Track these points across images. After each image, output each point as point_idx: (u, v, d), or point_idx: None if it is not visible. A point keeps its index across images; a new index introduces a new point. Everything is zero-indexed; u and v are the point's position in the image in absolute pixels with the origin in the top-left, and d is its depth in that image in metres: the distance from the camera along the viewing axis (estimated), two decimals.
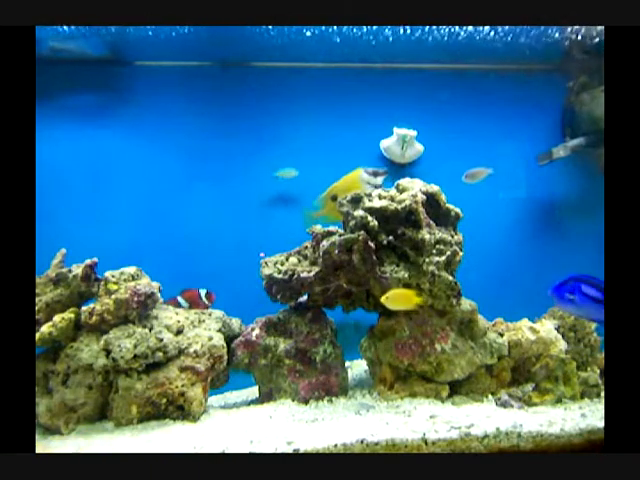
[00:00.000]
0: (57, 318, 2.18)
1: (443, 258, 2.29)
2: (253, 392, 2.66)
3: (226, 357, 2.34)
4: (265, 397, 2.43)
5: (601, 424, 1.87)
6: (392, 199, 2.39)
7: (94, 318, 2.19)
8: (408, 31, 2.89)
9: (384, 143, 3.26)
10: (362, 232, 2.27)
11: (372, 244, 2.27)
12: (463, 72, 3.39)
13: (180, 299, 2.56)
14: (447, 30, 2.88)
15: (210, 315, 2.49)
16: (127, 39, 2.92)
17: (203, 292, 2.60)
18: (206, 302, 2.59)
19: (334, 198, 2.65)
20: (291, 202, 3.20)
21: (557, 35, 2.98)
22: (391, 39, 2.96)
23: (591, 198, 3.22)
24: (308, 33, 2.88)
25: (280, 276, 2.41)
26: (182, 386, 2.15)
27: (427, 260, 2.28)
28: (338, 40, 2.95)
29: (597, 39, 2.99)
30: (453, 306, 2.32)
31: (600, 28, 2.85)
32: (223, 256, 3.07)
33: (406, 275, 2.27)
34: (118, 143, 3.15)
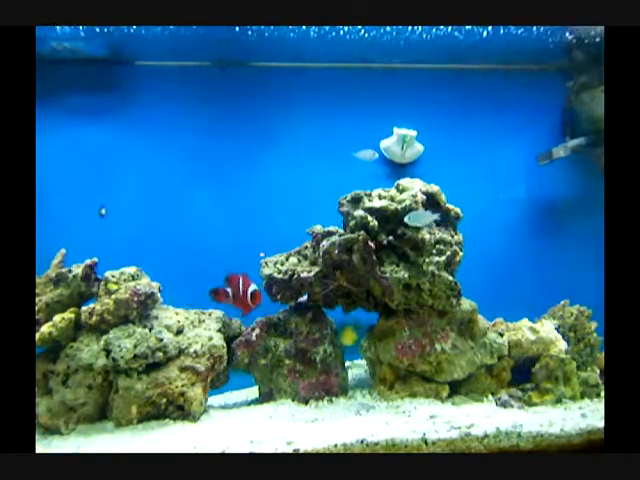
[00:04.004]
0: (57, 318, 2.18)
1: (443, 258, 2.29)
2: (253, 392, 2.66)
3: (226, 357, 2.34)
4: (265, 397, 2.43)
5: (601, 424, 1.87)
6: (392, 199, 2.39)
7: (94, 318, 2.19)
8: (407, 30, 2.89)
9: (384, 143, 3.26)
10: (362, 232, 2.27)
11: (372, 244, 2.27)
12: (463, 72, 3.39)
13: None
14: (447, 30, 2.88)
15: (210, 315, 2.49)
16: (127, 39, 2.92)
17: (252, 287, 2.28)
18: (248, 300, 2.27)
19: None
20: (291, 202, 3.20)
21: (557, 35, 2.98)
22: (391, 38, 2.96)
23: (591, 198, 3.21)
24: (312, 32, 2.88)
25: (280, 276, 2.41)
26: (182, 386, 2.15)
27: (427, 260, 2.28)
28: (337, 36, 2.95)
29: (597, 39, 2.99)
30: (453, 306, 2.32)
31: (600, 28, 2.85)
32: (223, 256, 3.06)
33: (406, 275, 2.26)
34: (118, 143, 3.15)
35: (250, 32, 2.83)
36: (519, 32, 2.92)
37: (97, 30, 2.79)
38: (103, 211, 2.50)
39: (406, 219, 2.26)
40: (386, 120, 3.23)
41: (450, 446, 1.78)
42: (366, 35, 2.91)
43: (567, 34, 2.97)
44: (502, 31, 2.90)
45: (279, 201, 3.20)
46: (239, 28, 2.80)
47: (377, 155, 2.99)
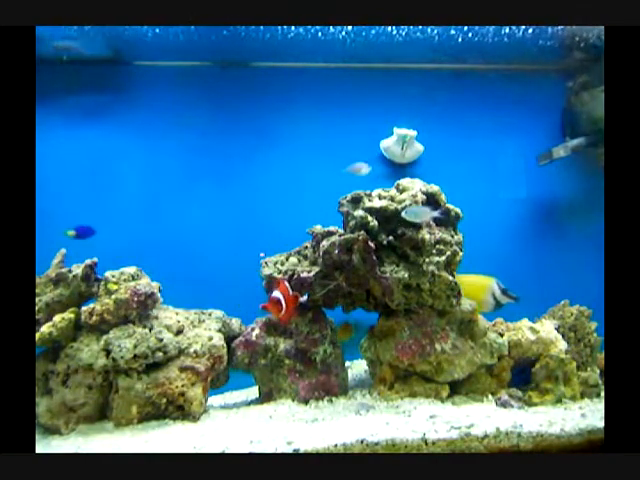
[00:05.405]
0: (57, 318, 2.18)
1: (443, 258, 2.29)
2: (253, 392, 2.66)
3: (226, 357, 2.34)
4: (265, 397, 2.43)
5: (601, 424, 1.87)
6: (392, 199, 2.39)
7: (94, 318, 2.19)
8: (404, 30, 2.89)
9: (384, 143, 3.26)
10: (362, 232, 2.27)
11: (372, 244, 2.27)
12: (463, 72, 3.39)
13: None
14: (447, 30, 2.88)
15: (210, 315, 2.49)
16: (127, 39, 2.92)
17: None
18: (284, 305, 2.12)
19: None
20: (291, 202, 3.20)
21: (557, 35, 2.98)
22: (392, 39, 2.97)
23: (591, 198, 3.21)
24: (312, 32, 2.88)
25: (280, 276, 2.41)
26: (182, 386, 2.14)
27: (427, 260, 2.28)
28: (339, 38, 2.95)
29: (597, 39, 2.99)
30: (453, 306, 2.32)
31: (600, 28, 2.85)
32: (223, 256, 3.06)
33: (406, 275, 2.26)
34: (118, 143, 3.15)
35: (243, 32, 2.84)
36: (519, 32, 2.92)
37: (97, 30, 2.79)
38: (71, 233, 2.51)
39: (403, 213, 2.26)
40: (386, 120, 3.23)
41: (450, 446, 1.78)
42: (365, 35, 2.91)
43: (567, 33, 2.96)
44: (502, 31, 2.90)
45: (279, 201, 3.20)
46: (240, 28, 2.80)
47: (370, 168, 2.91)
